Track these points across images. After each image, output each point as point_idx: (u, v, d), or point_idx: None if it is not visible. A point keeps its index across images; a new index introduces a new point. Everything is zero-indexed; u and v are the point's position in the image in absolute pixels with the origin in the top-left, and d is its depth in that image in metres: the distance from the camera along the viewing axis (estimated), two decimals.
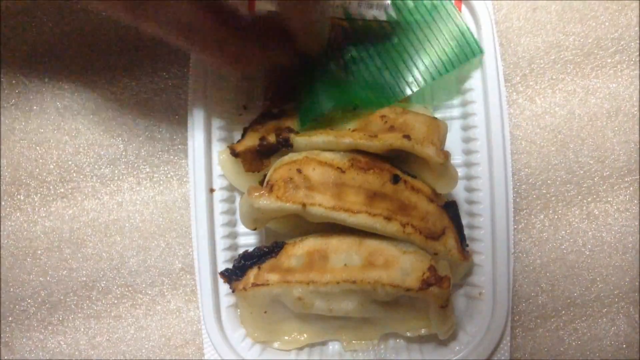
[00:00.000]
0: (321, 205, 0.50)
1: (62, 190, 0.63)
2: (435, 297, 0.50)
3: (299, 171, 0.51)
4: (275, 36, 0.51)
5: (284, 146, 0.53)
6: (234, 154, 0.56)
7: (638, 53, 0.61)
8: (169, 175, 0.63)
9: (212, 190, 0.58)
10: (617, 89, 0.61)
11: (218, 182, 0.58)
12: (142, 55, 0.64)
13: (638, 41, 0.61)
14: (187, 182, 0.62)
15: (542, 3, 0.62)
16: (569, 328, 0.59)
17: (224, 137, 0.59)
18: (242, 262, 0.56)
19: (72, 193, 0.63)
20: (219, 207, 0.58)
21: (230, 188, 0.59)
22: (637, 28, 0.61)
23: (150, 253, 0.62)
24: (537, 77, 0.62)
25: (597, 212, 0.60)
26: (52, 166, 0.63)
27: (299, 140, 0.53)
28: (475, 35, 0.57)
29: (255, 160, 0.56)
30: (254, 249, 0.56)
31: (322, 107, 0.53)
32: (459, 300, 0.58)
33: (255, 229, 0.55)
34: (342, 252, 0.52)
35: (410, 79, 0.57)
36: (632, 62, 0.61)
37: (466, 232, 0.56)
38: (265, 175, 0.54)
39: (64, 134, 0.63)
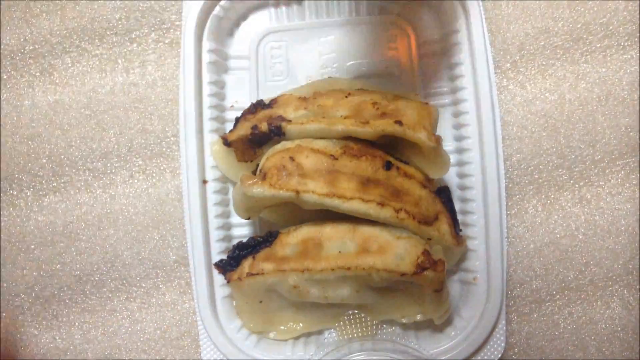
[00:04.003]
0: (314, 192, 0.50)
1: (54, 184, 0.63)
2: (430, 281, 0.50)
3: (292, 159, 0.51)
4: None
5: (277, 134, 0.53)
6: (227, 143, 0.56)
7: (627, 37, 0.61)
8: (161, 168, 0.63)
9: (205, 182, 0.58)
10: (606, 73, 0.61)
11: (211, 174, 0.58)
12: (133, 47, 0.64)
13: (626, 26, 0.62)
14: (180, 174, 0.61)
15: None
16: (563, 312, 0.60)
17: (215, 129, 0.59)
18: (237, 252, 0.56)
19: (64, 187, 0.62)
20: (212, 198, 0.58)
21: (224, 179, 0.59)
22: (625, 13, 0.62)
23: (144, 246, 0.62)
24: (527, 63, 0.62)
25: (589, 196, 0.60)
26: (44, 160, 0.63)
27: (291, 128, 0.53)
28: (464, 25, 0.57)
29: (248, 149, 0.56)
30: (248, 239, 0.56)
31: None
32: (454, 286, 0.58)
33: (248, 219, 0.55)
34: (336, 239, 0.52)
35: None
36: (620, 47, 0.61)
37: (459, 217, 0.57)
38: (258, 165, 0.54)
39: (55, 127, 0.63)
